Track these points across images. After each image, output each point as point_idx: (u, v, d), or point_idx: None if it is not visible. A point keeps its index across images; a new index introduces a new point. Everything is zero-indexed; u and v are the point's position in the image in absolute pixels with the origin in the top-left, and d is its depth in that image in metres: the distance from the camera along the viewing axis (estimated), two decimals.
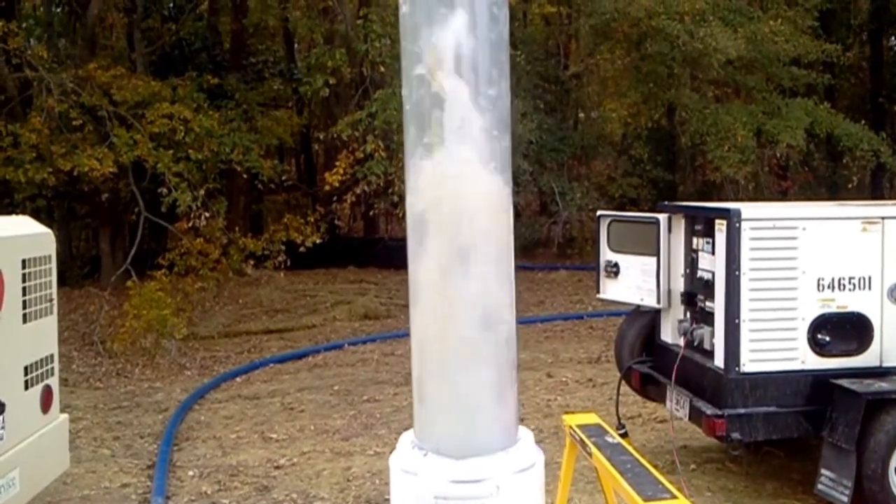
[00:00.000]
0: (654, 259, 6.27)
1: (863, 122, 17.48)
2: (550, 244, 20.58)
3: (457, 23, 0.50)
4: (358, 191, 13.76)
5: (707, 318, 5.75)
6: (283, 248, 13.31)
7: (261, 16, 19.00)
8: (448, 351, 0.57)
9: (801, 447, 6.38)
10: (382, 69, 13.47)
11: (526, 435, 0.59)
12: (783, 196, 18.16)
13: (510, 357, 0.56)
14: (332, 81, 14.09)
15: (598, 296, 7.03)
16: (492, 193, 0.62)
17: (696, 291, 5.98)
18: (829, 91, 20.27)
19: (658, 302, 6.27)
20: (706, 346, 5.73)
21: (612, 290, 6.77)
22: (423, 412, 0.59)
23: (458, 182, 0.60)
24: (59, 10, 18.35)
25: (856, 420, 4.99)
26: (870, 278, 5.42)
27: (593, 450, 4.31)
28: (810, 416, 5.33)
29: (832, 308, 5.38)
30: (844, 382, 5.20)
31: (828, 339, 5.37)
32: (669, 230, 6.26)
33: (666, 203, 6.76)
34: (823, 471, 5.13)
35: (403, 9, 0.52)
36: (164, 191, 12.37)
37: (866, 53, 24.33)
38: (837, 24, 21.55)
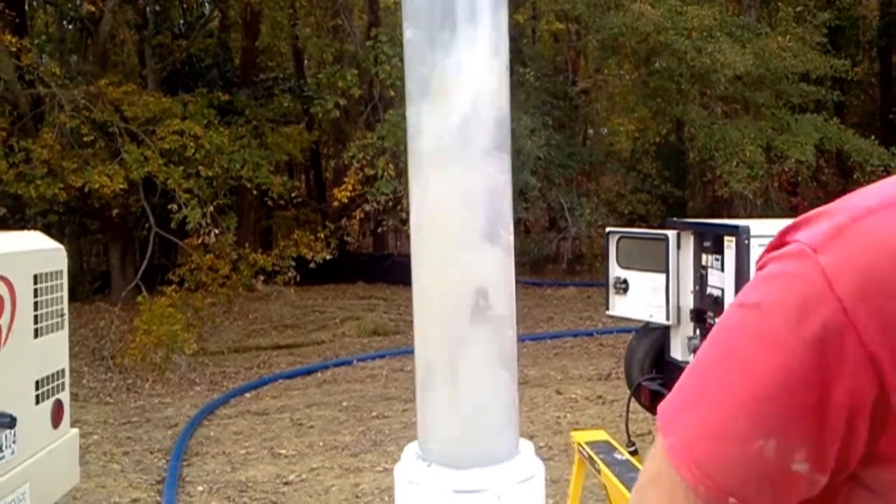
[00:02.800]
0: (663, 276, 6.26)
1: (873, 137, 17.46)
2: (559, 260, 20.59)
3: (459, 49, 0.52)
4: (367, 208, 13.82)
5: None
6: (293, 263, 13.36)
7: (271, 40, 19.12)
8: (450, 363, 0.59)
9: None
10: (392, 92, 13.56)
11: (526, 446, 0.60)
12: (793, 212, 18.09)
13: (512, 370, 0.57)
14: (342, 103, 14.17)
15: (607, 312, 7.01)
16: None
17: (706, 308, 5.96)
18: (838, 107, 20.27)
19: (667, 318, 6.25)
20: None
21: (621, 307, 6.75)
22: (427, 424, 0.60)
23: (458, 199, 0.63)
24: (70, 26, 18.54)
25: None
26: None
27: (602, 467, 4.30)
28: None
29: None
30: None
31: None
32: (678, 247, 6.25)
33: (675, 219, 6.76)
34: None
35: (407, 34, 0.53)
36: (175, 207, 12.44)
37: (875, 70, 24.34)
38: (846, 41, 21.59)
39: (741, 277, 5.34)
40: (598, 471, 4.34)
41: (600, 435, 4.86)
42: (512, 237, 0.57)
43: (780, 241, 0.85)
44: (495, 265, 0.61)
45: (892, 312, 0.77)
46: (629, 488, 3.95)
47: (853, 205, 0.82)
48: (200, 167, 13.26)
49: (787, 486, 0.85)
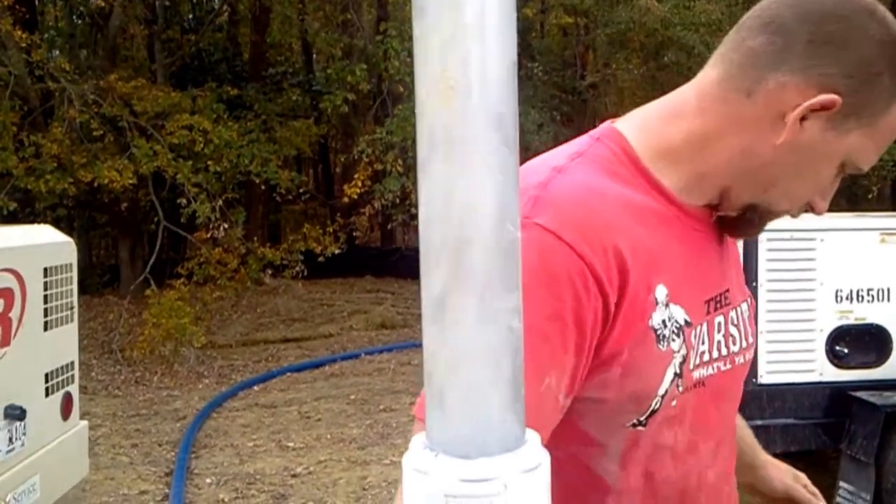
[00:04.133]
0: None
1: None
2: None
3: (467, 45, 0.53)
4: (376, 205, 13.84)
5: None
6: (301, 257, 13.38)
7: (280, 35, 19.12)
8: (457, 354, 0.59)
9: (819, 460, 6.34)
10: (402, 88, 13.55)
11: (532, 437, 0.61)
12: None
13: (518, 360, 0.58)
14: (351, 98, 14.15)
15: None
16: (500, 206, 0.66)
17: None
18: None
19: None
20: None
21: None
22: (434, 414, 0.61)
23: (466, 195, 0.63)
24: (80, 21, 18.59)
25: (875, 433, 4.96)
26: (888, 290, 5.39)
27: None
28: (828, 429, 5.30)
29: (850, 320, 5.36)
30: (863, 395, 5.17)
31: (846, 351, 5.35)
32: None
33: None
34: (842, 484, 5.10)
35: (416, 31, 0.54)
36: (184, 201, 12.48)
37: None
38: None
39: (749, 272, 5.34)
40: None
41: None
42: (519, 231, 0.58)
43: None
44: (501, 257, 0.62)
45: (598, 238, 1.02)
46: None
47: (537, 177, 1.07)
48: (209, 162, 13.29)
49: (553, 418, 1.03)
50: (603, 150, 1.15)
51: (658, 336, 1.08)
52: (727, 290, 1.26)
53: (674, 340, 1.10)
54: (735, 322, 1.27)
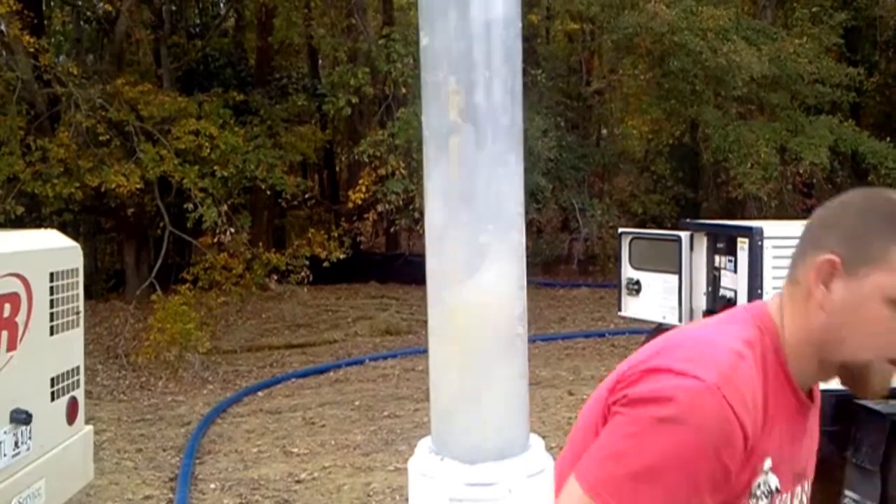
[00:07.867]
0: (675, 277, 6.25)
1: (888, 139, 17.35)
2: (571, 261, 20.56)
3: (474, 56, 0.53)
4: (380, 209, 13.85)
5: None
6: (306, 262, 13.38)
7: (285, 34, 19.20)
8: (462, 360, 0.60)
9: (824, 468, 6.31)
10: (405, 90, 13.57)
11: (536, 442, 0.61)
12: (808, 214, 17.93)
13: (522, 365, 0.58)
14: (354, 101, 14.19)
15: (619, 313, 7.01)
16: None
17: (719, 309, 5.94)
18: (854, 108, 20.14)
19: (680, 320, 6.24)
20: None
21: (633, 308, 6.75)
22: (440, 419, 0.62)
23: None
24: (87, 26, 18.67)
25: (880, 441, 4.93)
26: None
27: None
28: (833, 436, 5.27)
29: None
30: (868, 402, 5.14)
31: None
32: (691, 248, 6.24)
33: (688, 220, 6.74)
34: (847, 492, 5.07)
35: (424, 41, 0.55)
36: (190, 206, 12.51)
37: (892, 70, 24.15)
38: (863, 42, 21.45)
39: (754, 279, 5.33)
40: None
41: None
42: (524, 232, 0.59)
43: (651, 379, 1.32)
44: (507, 260, 0.63)
45: (751, 410, 1.27)
46: None
47: (719, 360, 1.30)
48: (215, 167, 13.32)
49: None
50: (766, 346, 1.39)
51: (751, 494, 1.32)
52: (807, 464, 1.52)
53: (762, 501, 1.33)
54: (805, 491, 1.51)
